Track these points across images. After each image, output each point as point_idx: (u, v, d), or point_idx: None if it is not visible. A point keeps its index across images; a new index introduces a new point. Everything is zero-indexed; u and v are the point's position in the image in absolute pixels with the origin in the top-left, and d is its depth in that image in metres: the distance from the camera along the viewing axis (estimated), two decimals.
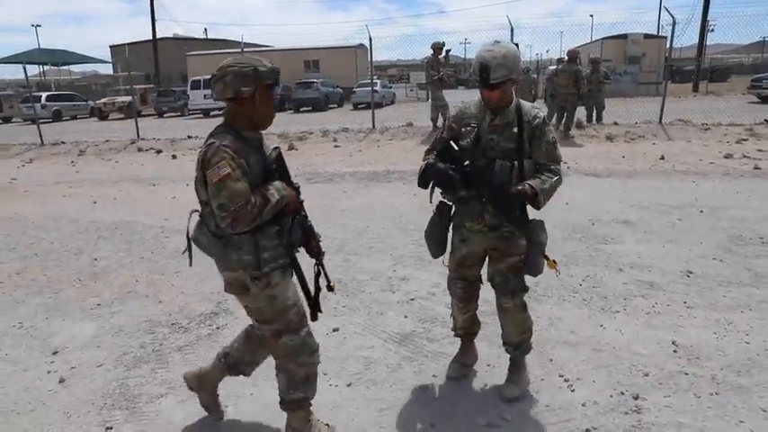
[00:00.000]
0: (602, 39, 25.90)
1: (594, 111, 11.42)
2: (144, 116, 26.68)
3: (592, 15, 34.71)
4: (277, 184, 2.03)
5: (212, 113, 24.24)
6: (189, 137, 12.36)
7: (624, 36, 25.53)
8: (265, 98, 2.01)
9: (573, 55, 9.91)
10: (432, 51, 10.51)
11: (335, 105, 25.89)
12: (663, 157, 8.13)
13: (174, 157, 10.66)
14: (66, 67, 40.18)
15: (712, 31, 64.08)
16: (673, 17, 10.99)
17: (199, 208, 2.11)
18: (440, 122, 10.71)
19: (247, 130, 2.03)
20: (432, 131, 10.69)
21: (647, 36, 25.83)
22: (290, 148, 10.42)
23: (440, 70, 10.39)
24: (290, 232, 2.08)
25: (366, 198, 6.76)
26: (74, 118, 27.06)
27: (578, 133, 10.19)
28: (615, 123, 10.87)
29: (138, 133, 12.84)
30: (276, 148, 2.16)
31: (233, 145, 1.91)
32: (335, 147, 10.32)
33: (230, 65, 1.96)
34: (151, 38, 34.02)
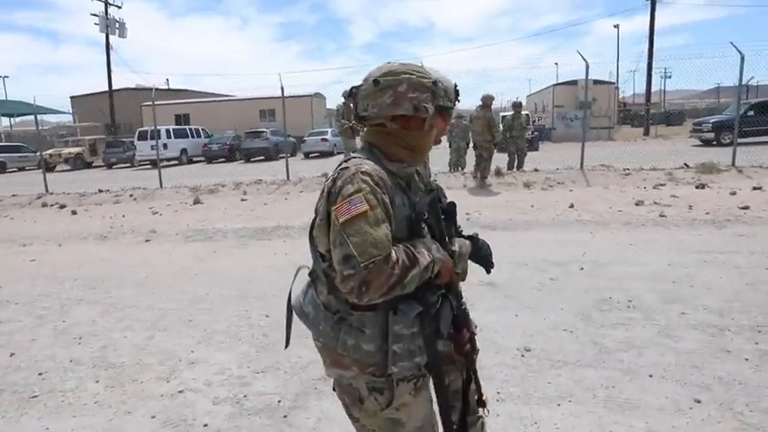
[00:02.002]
0: (554, 85, 26.24)
1: (516, 157, 11.03)
2: (94, 167, 26.16)
3: (556, 63, 35.30)
4: (429, 242, 1.39)
5: (162, 165, 23.65)
6: (99, 191, 11.67)
7: (575, 82, 25.89)
8: (436, 125, 1.48)
9: (486, 101, 9.54)
10: (343, 99, 10.10)
11: (288, 155, 25.48)
12: (572, 206, 7.65)
13: (73, 212, 9.94)
14: (33, 118, 39.37)
15: (670, 77, 66.50)
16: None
17: (310, 263, 1.50)
18: None
19: (396, 161, 1.45)
20: None
21: (596, 82, 26.19)
22: (196, 202, 9.79)
23: (350, 118, 9.94)
24: (438, 317, 1.39)
25: (232, 259, 6.10)
26: (21, 169, 26.31)
27: (496, 181, 9.73)
28: (536, 170, 10.47)
29: (46, 187, 12.10)
30: (432, 190, 1.52)
31: (376, 174, 1.33)
32: (242, 200, 9.70)
33: (401, 70, 1.40)
34: (112, 88, 33.97)
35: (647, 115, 26.43)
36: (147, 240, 7.32)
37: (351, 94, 1.44)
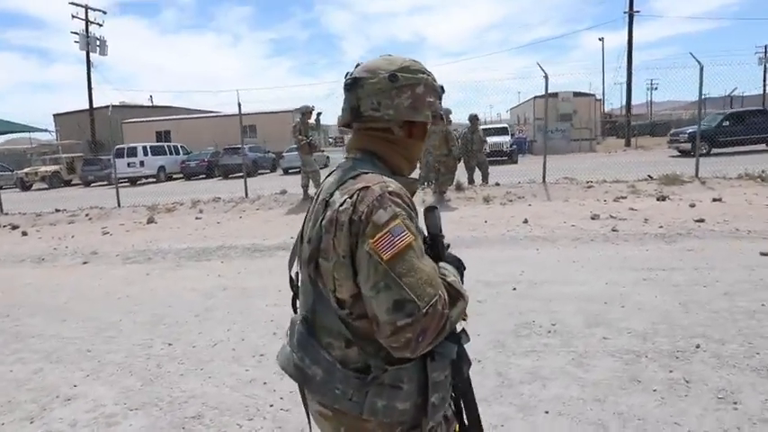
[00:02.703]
0: (534, 97, 26.23)
1: (478, 171, 10.82)
2: (73, 185, 25.81)
3: (546, 76, 34.99)
4: (448, 265, 1.16)
5: (138, 182, 23.44)
6: (56, 210, 11.37)
7: (555, 94, 25.91)
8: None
9: (443, 115, 9.31)
10: (301, 115, 9.93)
11: (267, 171, 25.30)
12: (526, 221, 7.43)
13: (24, 233, 9.64)
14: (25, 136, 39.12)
15: (656, 89, 66.78)
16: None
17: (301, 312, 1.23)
18: (311, 190, 10.01)
19: (400, 174, 1.23)
20: (302, 200, 9.94)
21: (576, 94, 26.30)
22: (150, 221, 9.52)
23: (308, 134, 9.78)
24: (465, 356, 1.19)
25: (163, 282, 5.82)
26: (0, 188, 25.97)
27: (456, 196, 9.52)
28: (497, 184, 10.27)
29: (0, 208, 11.79)
30: (434, 207, 1.25)
31: (404, 193, 1.10)
32: (197, 219, 9.44)
33: (417, 68, 1.20)
34: (95, 106, 33.88)
35: (627, 126, 26.44)
36: (85, 263, 7.04)
37: (350, 86, 1.18)
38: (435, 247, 1.18)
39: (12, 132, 35.08)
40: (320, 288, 1.13)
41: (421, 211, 1.18)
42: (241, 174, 22.78)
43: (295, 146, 25.77)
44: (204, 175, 24.35)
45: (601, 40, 48.40)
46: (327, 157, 24.29)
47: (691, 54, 9.66)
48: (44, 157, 28.09)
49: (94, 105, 36.67)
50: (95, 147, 30.91)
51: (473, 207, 8.75)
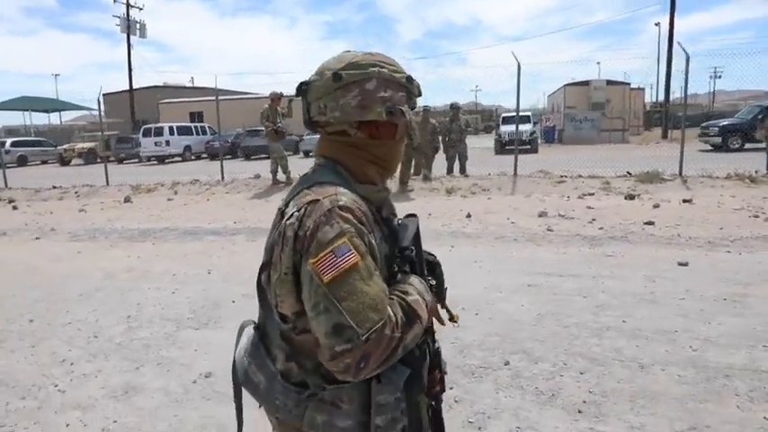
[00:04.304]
0: (565, 85, 25.12)
1: (457, 161, 10.48)
2: (108, 162, 27.08)
3: (599, 63, 33.57)
4: (417, 282, 1.10)
5: (166, 160, 24.34)
6: (53, 187, 11.95)
7: (587, 83, 24.73)
8: (406, 129, 1.22)
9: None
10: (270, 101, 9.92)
11: (290, 152, 25.55)
12: (469, 215, 7.16)
13: (14, 208, 10.21)
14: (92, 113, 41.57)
15: (720, 77, 62.54)
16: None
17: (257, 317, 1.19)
18: (280, 176, 10.02)
19: (367, 182, 1.13)
20: (271, 185, 9.97)
21: (609, 82, 24.99)
22: (126, 200, 9.86)
23: (275, 121, 9.77)
24: (422, 372, 1.12)
25: (85, 261, 6.02)
26: (44, 162, 27.59)
27: (420, 186, 9.28)
28: (466, 176, 9.91)
29: (5, 182, 12.51)
30: (412, 215, 1.21)
31: (357, 208, 1.03)
32: (169, 200, 9.68)
33: (368, 62, 1.08)
34: (142, 86, 35.57)
35: (665, 117, 24.89)
36: (38, 238, 7.38)
37: (300, 92, 1.11)
38: (404, 260, 1.11)
39: (64, 110, 37.43)
40: (269, 298, 1.10)
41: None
42: (265, 155, 23.49)
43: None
44: (230, 156, 24.95)
45: (657, 25, 45.75)
46: (297, 143, 24.03)
47: (678, 43, 8.88)
48: (83, 134, 29.54)
49: (144, 85, 38.73)
50: (136, 125, 32.20)
51: (431, 199, 8.51)
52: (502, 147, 20.52)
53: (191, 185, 10.72)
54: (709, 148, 17.71)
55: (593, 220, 6.70)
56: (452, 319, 1.36)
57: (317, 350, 0.97)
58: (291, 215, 1.02)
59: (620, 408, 2.66)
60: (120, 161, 25.68)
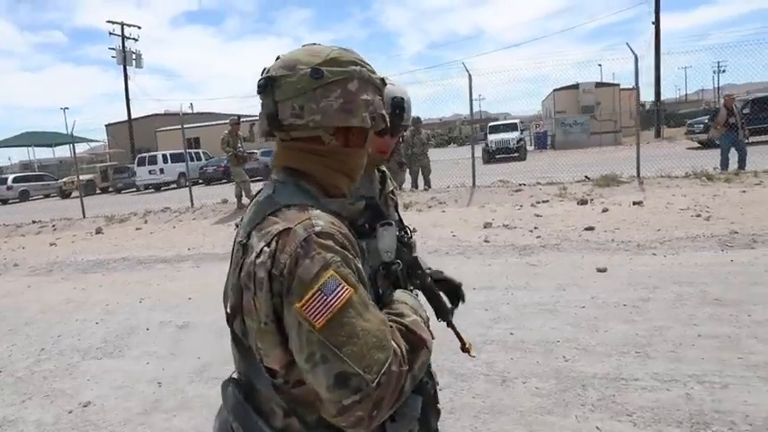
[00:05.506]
0: (554, 90, 25.08)
1: (421, 175, 10.53)
2: (108, 192, 27.58)
3: (600, 65, 33.39)
4: (410, 299, 1.01)
5: (162, 188, 24.71)
6: (33, 221, 12.21)
7: (576, 86, 24.67)
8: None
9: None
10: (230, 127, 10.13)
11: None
12: (414, 230, 7.17)
13: None
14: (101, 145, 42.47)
15: (723, 71, 61.94)
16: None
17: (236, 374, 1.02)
18: (244, 200, 10.15)
19: (337, 196, 1.01)
20: (236, 210, 10.11)
21: (599, 84, 24.93)
22: (98, 232, 10.05)
23: (236, 146, 9.96)
24: (431, 406, 1.07)
25: (30, 295, 6.15)
26: (47, 196, 28.19)
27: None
28: (425, 189, 9.95)
29: None
30: (387, 223, 1.04)
31: (337, 231, 0.88)
32: (137, 230, 9.84)
33: (346, 58, 0.96)
34: (144, 115, 36.55)
35: (656, 116, 24.70)
36: None
37: (264, 88, 0.95)
38: (390, 276, 1.01)
39: (65, 143, 38.25)
40: (249, 348, 0.93)
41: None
42: (259, 177, 23.79)
43: None
44: (224, 180, 25.27)
45: (654, 23, 45.39)
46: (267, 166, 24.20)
47: (627, 45, 8.88)
48: (82, 166, 30.12)
49: (146, 114, 39.70)
50: (134, 154, 32.81)
51: None
52: (490, 156, 20.53)
53: (161, 213, 10.90)
54: (698, 145, 17.55)
55: (535, 228, 6.69)
56: (466, 348, 1.27)
57: (320, 407, 0.84)
58: (261, 251, 0.85)
59: (461, 423, 2.66)
60: (119, 191, 26.16)
